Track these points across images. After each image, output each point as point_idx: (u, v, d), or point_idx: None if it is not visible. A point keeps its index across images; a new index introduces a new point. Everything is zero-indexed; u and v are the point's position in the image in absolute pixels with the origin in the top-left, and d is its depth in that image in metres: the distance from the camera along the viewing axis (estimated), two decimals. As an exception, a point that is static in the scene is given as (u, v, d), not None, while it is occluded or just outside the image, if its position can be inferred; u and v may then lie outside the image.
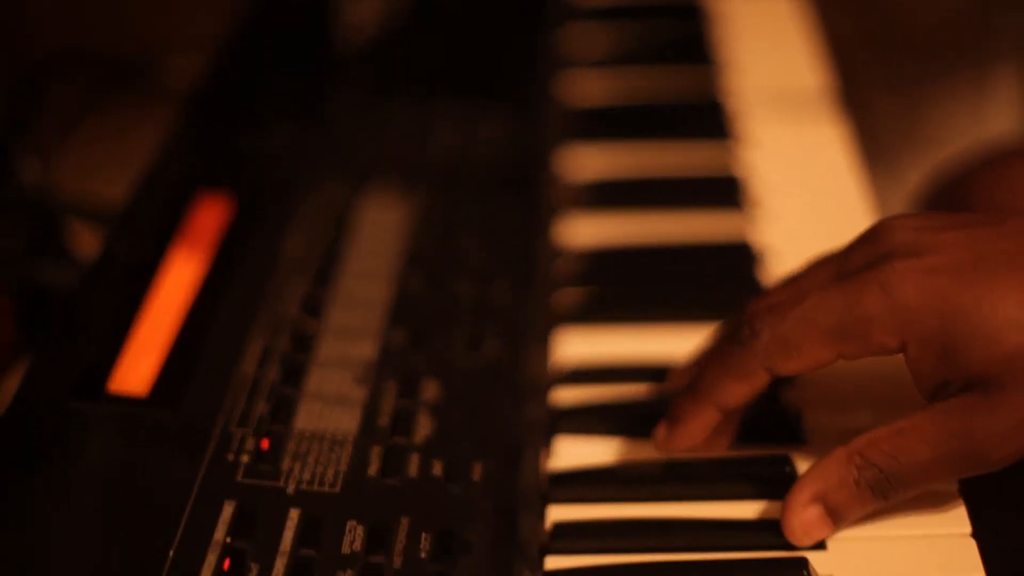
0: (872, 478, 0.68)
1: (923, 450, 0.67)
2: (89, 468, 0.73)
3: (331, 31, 1.09)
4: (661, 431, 0.74)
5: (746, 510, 0.72)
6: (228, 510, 0.70)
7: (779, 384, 0.75)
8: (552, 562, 0.70)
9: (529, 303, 0.86)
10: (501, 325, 0.83)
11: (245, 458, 0.73)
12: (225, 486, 0.71)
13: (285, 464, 0.72)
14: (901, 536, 0.70)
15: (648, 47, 1.12)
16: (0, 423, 0.75)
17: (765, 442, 0.75)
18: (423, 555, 0.68)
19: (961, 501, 0.71)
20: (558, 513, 0.73)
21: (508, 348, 0.82)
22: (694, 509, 0.72)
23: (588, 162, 1.00)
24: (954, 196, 1.14)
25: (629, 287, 0.88)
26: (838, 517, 0.69)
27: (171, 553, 0.67)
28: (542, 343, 0.83)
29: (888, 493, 0.68)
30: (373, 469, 0.73)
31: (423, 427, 0.75)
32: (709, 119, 1.03)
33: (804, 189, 0.97)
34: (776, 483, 0.72)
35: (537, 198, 0.96)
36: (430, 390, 0.78)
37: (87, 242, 1.00)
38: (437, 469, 0.73)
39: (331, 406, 0.76)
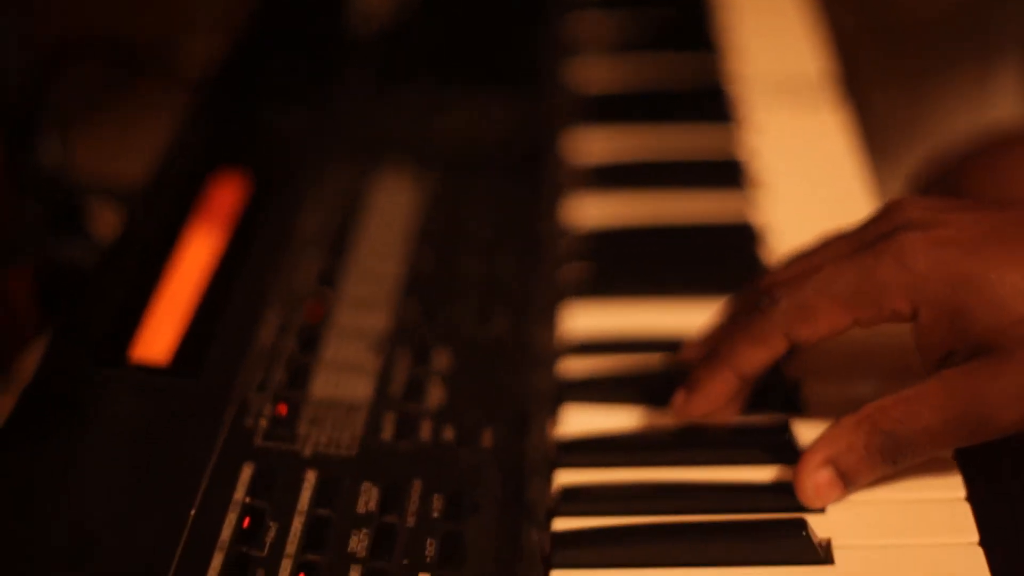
0: (881, 443, 0.70)
1: (931, 416, 0.70)
2: (113, 432, 0.75)
3: (344, 16, 1.12)
4: (679, 397, 0.76)
5: (747, 474, 0.74)
6: (247, 472, 0.72)
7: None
8: (559, 523, 0.73)
9: (536, 278, 0.88)
10: (509, 299, 0.86)
11: (263, 423, 0.75)
12: (244, 449, 0.74)
13: (302, 429, 0.75)
14: (898, 500, 0.73)
15: (652, 34, 1.15)
16: (27, 389, 0.77)
17: (764, 409, 0.78)
18: (435, 515, 0.71)
19: (957, 467, 0.74)
20: (565, 477, 0.75)
21: (516, 321, 0.84)
22: (697, 473, 0.75)
23: (594, 145, 1.02)
24: (949, 181, 1.16)
25: (634, 264, 0.91)
26: (848, 480, 0.71)
27: (192, 512, 0.70)
28: (549, 316, 0.86)
29: (897, 458, 0.71)
30: (387, 434, 0.75)
31: (435, 395, 0.78)
32: (712, 104, 1.05)
33: (805, 172, 1.00)
34: (776, 449, 0.74)
35: (544, 180, 0.98)
36: (441, 360, 0.80)
37: (106, 221, 1.03)
38: (448, 434, 0.76)
39: (346, 374, 0.79)
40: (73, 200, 1.04)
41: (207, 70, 1.06)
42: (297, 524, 0.70)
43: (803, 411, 0.78)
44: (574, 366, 0.82)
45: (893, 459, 0.71)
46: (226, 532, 0.69)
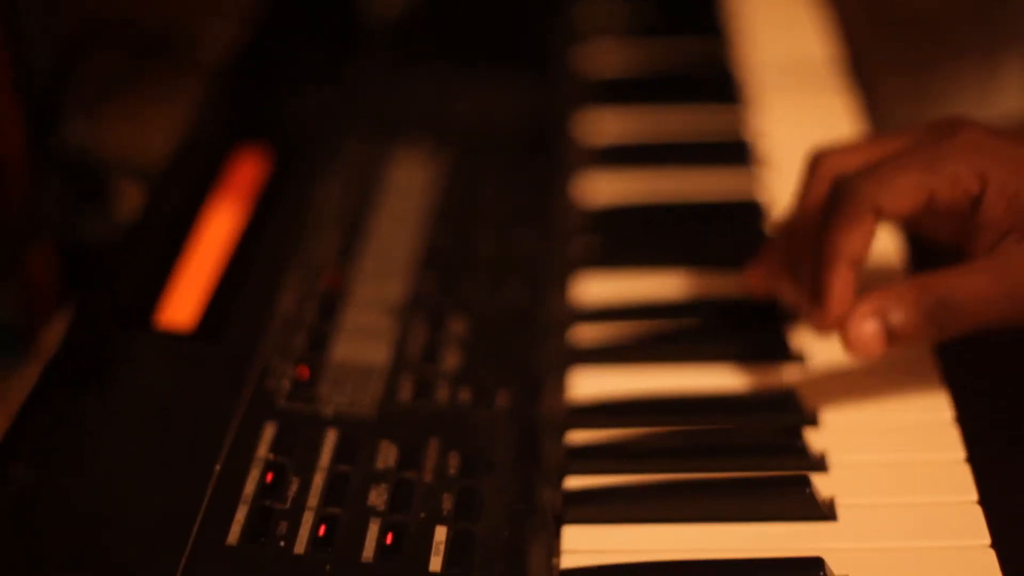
0: (931, 304, 0.74)
1: (982, 286, 0.74)
2: (140, 394, 0.78)
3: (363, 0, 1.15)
4: (816, 315, 0.78)
5: (753, 434, 0.77)
6: (270, 431, 0.75)
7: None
8: (571, 482, 0.75)
9: (549, 251, 0.91)
10: (523, 270, 0.89)
11: (285, 385, 0.78)
12: (267, 410, 0.76)
13: (322, 391, 0.78)
14: (899, 461, 0.75)
15: (662, 19, 1.17)
16: (58, 351, 0.80)
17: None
18: (452, 472, 0.74)
19: (958, 430, 0.77)
20: (576, 437, 0.78)
21: (529, 290, 0.87)
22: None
23: (605, 125, 1.05)
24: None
25: (643, 237, 0.93)
26: (893, 336, 0.74)
27: (218, 467, 0.73)
28: (561, 286, 0.88)
29: (944, 323, 0.74)
30: (405, 395, 0.78)
31: (451, 359, 0.81)
32: (720, 86, 1.08)
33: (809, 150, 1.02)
34: (782, 409, 0.77)
35: (557, 159, 1.01)
36: (457, 327, 0.83)
37: (130, 198, 1.05)
38: (464, 397, 0.78)
39: (365, 340, 0.81)
40: (97, 178, 1.07)
41: (228, 53, 1.08)
42: (318, 479, 0.72)
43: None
44: (585, 333, 0.85)
45: (940, 324, 0.74)
46: (250, 486, 0.72)
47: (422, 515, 0.71)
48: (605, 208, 0.97)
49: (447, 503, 0.72)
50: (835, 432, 0.77)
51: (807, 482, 0.73)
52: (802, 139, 1.04)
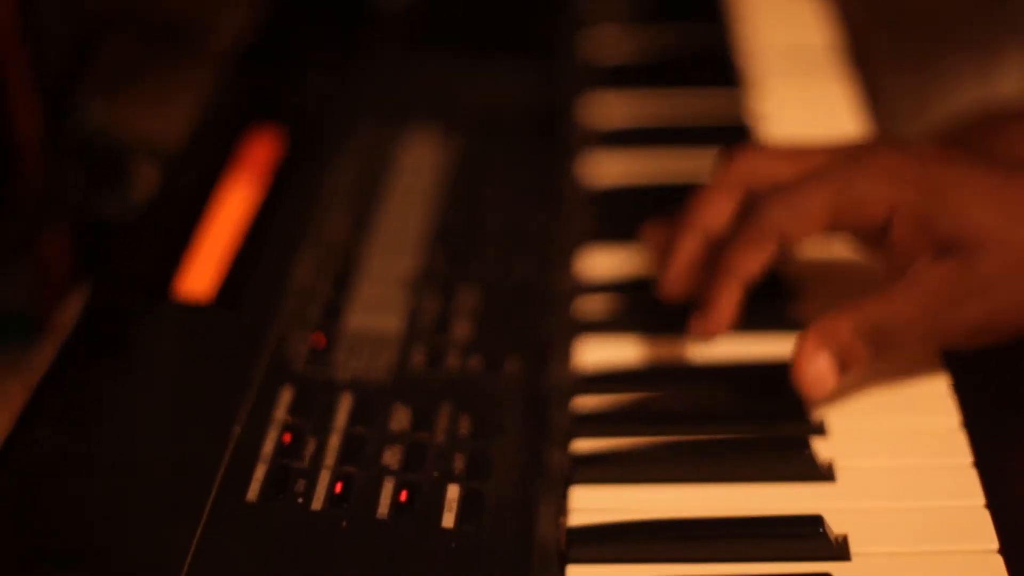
0: (867, 329, 0.77)
1: (903, 309, 0.77)
2: (160, 360, 0.81)
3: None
4: (696, 322, 0.81)
5: (754, 400, 0.80)
6: (287, 395, 0.78)
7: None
8: (578, 444, 0.78)
9: (555, 227, 0.94)
10: (530, 246, 0.91)
11: (302, 352, 0.80)
12: (284, 375, 0.79)
13: (338, 357, 0.80)
14: (898, 426, 0.78)
15: (665, 6, 1.20)
16: (79, 321, 0.83)
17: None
18: (463, 434, 0.76)
19: (953, 398, 0.79)
20: (583, 403, 0.81)
21: (537, 264, 0.90)
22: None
23: (610, 109, 1.08)
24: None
25: (645, 215, 0.96)
26: (844, 366, 0.77)
27: (237, 429, 0.75)
28: (567, 260, 0.91)
29: (881, 347, 0.77)
30: (418, 363, 0.81)
31: (461, 329, 0.83)
32: (721, 71, 1.10)
33: (810, 134, 1.05)
34: (781, 375, 0.80)
35: (562, 140, 1.04)
36: (467, 299, 0.86)
37: (147, 179, 1.08)
38: (474, 364, 0.81)
39: (379, 310, 0.84)
40: (114, 161, 1.09)
41: (242, 40, 1.11)
42: (335, 440, 0.75)
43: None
44: (590, 304, 0.87)
45: (878, 348, 0.77)
46: (268, 446, 0.74)
47: (435, 474, 0.74)
48: (610, 187, 0.99)
49: (459, 463, 0.74)
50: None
51: (806, 444, 0.75)
52: (802, 122, 1.07)
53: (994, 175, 0.78)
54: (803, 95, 1.10)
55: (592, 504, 0.75)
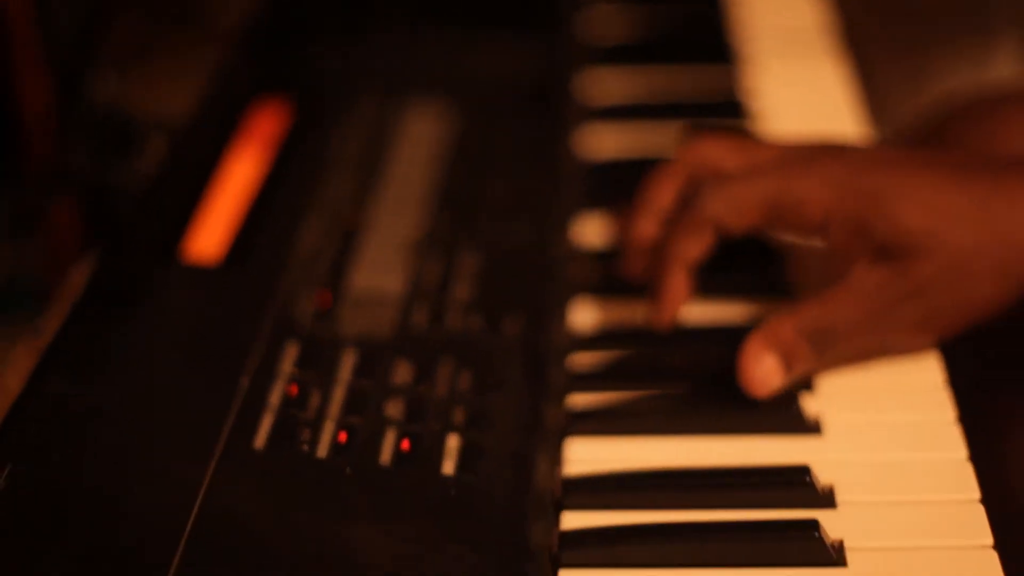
0: (811, 331, 0.79)
1: (843, 312, 0.80)
2: (170, 318, 0.84)
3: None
4: (652, 312, 0.84)
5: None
6: (293, 350, 0.80)
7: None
8: (574, 399, 0.81)
9: (553, 196, 0.96)
10: (529, 213, 0.94)
11: (307, 310, 0.83)
12: (291, 332, 0.82)
13: (342, 316, 0.83)
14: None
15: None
16: (90, 282, 0.85)
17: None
18: (463, 388, 0.79)
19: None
20: (579, 361, 0.83)
21: (535, 231, 0.93)
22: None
23: (606, 84, 1.10)
24: (937, 135, 1.23)
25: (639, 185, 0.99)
26: (788, 367, 0.79)
27: (245, 381, 0.78)
28: (564, 227, 0.94)
29: (824, 350, 0.80)
30: (420, 321, 0.83)
31: (462, 290, 0.86)
32: (715, 48, 1.13)
33: (802, 110, 1.08)
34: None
35: (560, 114, 1.06)
36: (468, 262, 0.88)
37: (155, 150, 1.10)
38: (475, 323, 0.84)
39: (382, 271, 0.87)
40: (125, 134, 1.12)
41: (250, 14, 1.14)
42: (339, 392, 0.78)
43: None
44: (585, 267, 0.91)
45: (822, 351, 0.80)
46: (275, 398, 0.77)
47: (436, 426, 0.76)
48: (606, 160, 1.02)
49: (459, 416, 0.77)
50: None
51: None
52: (794, 100, 1.10)
53: (937, 178, 0.80)
54: (796, 74, 1.13)
55: (587, 455, 0.78)
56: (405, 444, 0.75)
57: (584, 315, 0.87)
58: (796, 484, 0.74)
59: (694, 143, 0.87)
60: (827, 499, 0.74)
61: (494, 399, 0.79)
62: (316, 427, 0.75)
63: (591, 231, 0.94)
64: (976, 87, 1.42)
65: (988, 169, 0.81)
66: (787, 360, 0.79)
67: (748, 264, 0.89)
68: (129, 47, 1.17)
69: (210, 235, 0.89)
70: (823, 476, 0.75)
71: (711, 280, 0.87)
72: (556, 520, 0.74)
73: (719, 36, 1.16)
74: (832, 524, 0.72)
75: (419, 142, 0.99)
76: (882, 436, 0.78)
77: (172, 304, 0.85)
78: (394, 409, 0.77)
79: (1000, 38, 1.63)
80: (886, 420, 0.79)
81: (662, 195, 0.86)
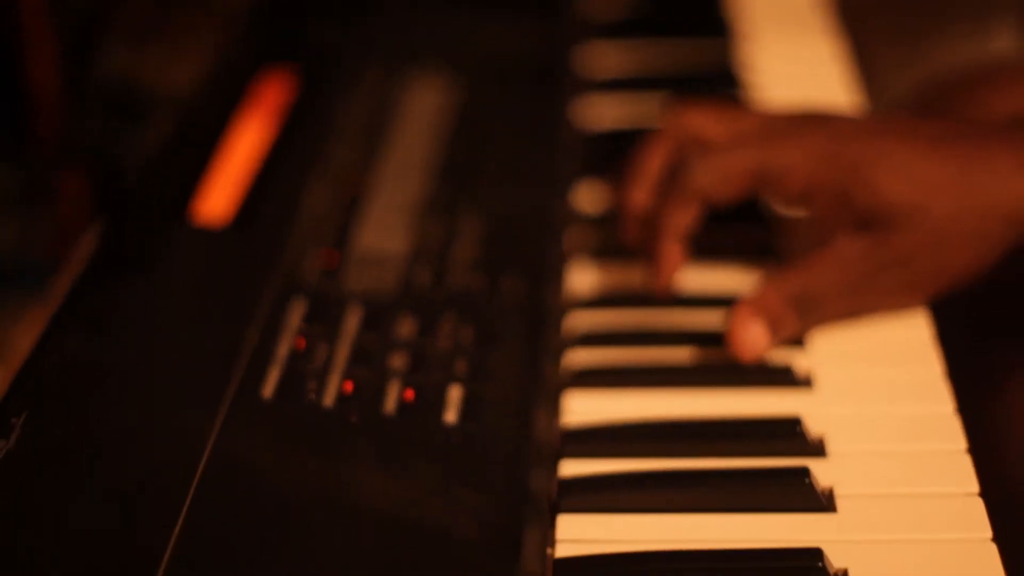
0: (796, 297, 0.82)
1: (824, 279, 0.82)
2: (179, 277, 0.86)
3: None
4: (648, 279, 0.86)
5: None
6: (301, 306, 0.83)
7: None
8: (571, 356, 0.84)
9: (552, 164, 0.99)
10: (529, 180, 0.97)
11: (314, 269, 0.86)
12: (298, 289, 0.84)
13: (348, 273, 0.85)
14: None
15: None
16: (104, 241, 0.88)
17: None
18: (465, 343, 0.81)
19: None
20: (575, 320, 0.86)
21: (535, 197, 0.95)
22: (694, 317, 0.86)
23: (604, 58, 1.13)
24: (934, 106, 1.26)
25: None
26: (774, 331, 0.82)
27: (254, 335, 0.80)
28: (563, 193, 0.96)
29: (808, 315, 0.82)
30: (423, 279, 0.86)
31: (464, 251, 0.88)
32: (711, 23, 1.16)
33: (796, 84, 1.10)
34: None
35: (560, 86, 1.09)
36: (470, 225, 0.91)
37: (164, 123, 1.12)
38: (476, 283, 0.86)
39: (386, 233, 0.89)
40: (133, 106, 1.14)
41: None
42: (344, 345, 0.80)
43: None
44: (582, 232, 0.94)
45: (806, 316, 0.82)
46: (283, 351, 0.79)
47: (438, 377, 0.79)
48: (604, 130, 1.05)
49: (461, 368, 0.79)
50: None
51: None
52: (789, 73, 1.12)
53: (917, 147, 0.82)
54: (791, 49, 1.15)
55: (585, 407, 0.80)
56: (409, 394, 0.77)
57: (582, 277, 0.90)
58: (788, 434, 0.77)
59: (679, 113, 0.90)
60: (818, 448, 0.77)
61: (494, 354, 0.81)
62: (322, 378, 0.78)
63: (589, 198, 0.97)
64: (973, 62, 1.44)
65: (967, 137, 0.83)
66: (773, 326, 0.82)
67: (741, 228, 0.92)
68: (138, 20, 1.19)
69: (219, 198, 0.91)
70: (814, 427, 0.77)
71: (701, 244, 0.89)
72: (555, 468, 0.76)
73: (715, 11, 1.18)
74: (823, 472, 0.74)
75: (423, 112, 1.02)
76: (872, 390, 0.81)
77: (182, 264, 0.87)
78: (398, 361, 0.79)
79: (997, 15, 1.64)
80: (876, 375, 0.82)
81: (651, 165, 0.88)
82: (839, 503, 0.73)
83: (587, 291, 0.89)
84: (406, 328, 0.82)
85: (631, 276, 0.89)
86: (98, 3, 1.14)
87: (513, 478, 0.74)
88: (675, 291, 0.86)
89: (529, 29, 1.14)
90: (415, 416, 0.76)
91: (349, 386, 0.77)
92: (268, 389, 0.77)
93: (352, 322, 0.82)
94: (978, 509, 0.73)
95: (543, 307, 0.86)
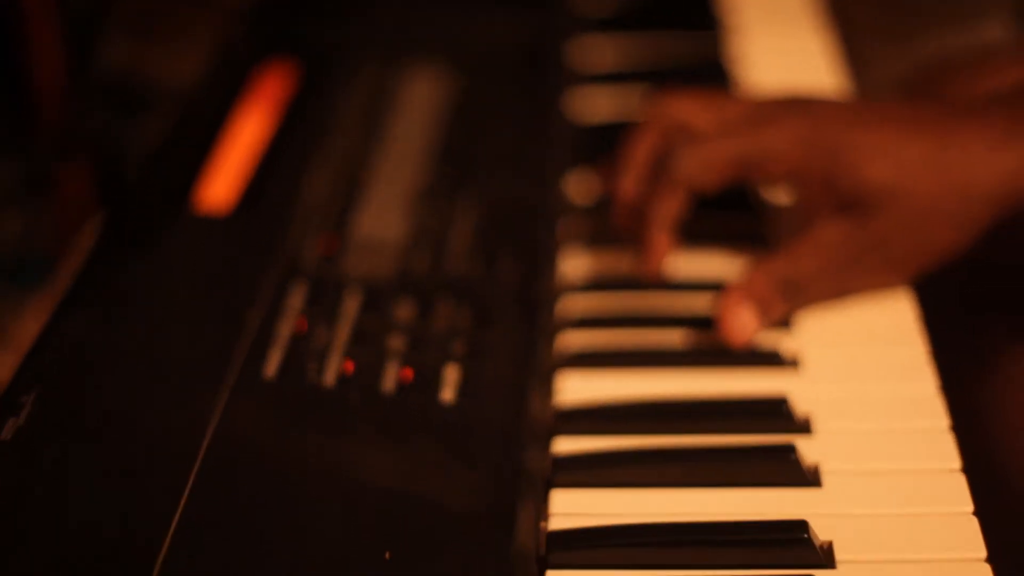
0: (782, 283, 0.84)
1: (807, 263, 0.85)
2: (183, 263, 0.88)
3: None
4: (639, 266, 0.89)
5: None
6: (301, 290, 0.85)
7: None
8: (564, 339, 0.86)
9: (546, 154, 1.01)
10: (523, 170, 0.99)
11: (314, 254, 0.88)
12: (299, 274, 0.86)
13: (348, 258, 0.88)
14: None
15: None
16: (108, 228, 0.90)
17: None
18: (462, 325, 0.83)
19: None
20: (568, 305, 0.88)
21: (528, 187, 0.97)
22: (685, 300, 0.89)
23: (596, 52, 1.15)
24: (929, 89, 1.27)
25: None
26: (761, 316, 0.84)
27: (256, 318, 0.82)
28: (555, 183, 0.99)
29: (794, 295, 0.85)
30: (421, 264, 0.88)
31: (461, 238, 0.91)
32: (701, 16, 1.18)
33: (785, 77, 1.12)
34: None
35: (553, 78, 1.11)
36: (467, 212, 0.93)
37: (167, 116, 1.14)
38: (473, 268, 0.88)
39: (385, 219, 0.91)
40: (136, 99, 1.16)
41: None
42: (344, 327, 0.82)
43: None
44: (574, 221, 0.96)
45: (792, 300, 0.85)
46: (284, 332, 0.81)
47: (435, 357, 0.81)
48: (596, 123, 1.07)
49: (458, 349, 0.82)
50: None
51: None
52: (778, 66, 1.14)
53: (896, 130, 0.84)
54: (780, 42, 1.17)
55: (578, 387, 0.82)
56: (407, 374, 0.79)
57: (574, 263, 0.92)
58: (775, 413, 0.79)
59: (664, 102, 0.92)
60: (804, 426, 0.79)
61: (490, 335, 0.83)
62: (323, 359, 0.80)
63: (581, 187, 0.99)
64: (962, 50, 1.46)
65: (945, 117, 0.85)
66: (761, 310, 0.84)
67: (734, 214, 0.94)
68: (141, 13, 1.21)
69: (221, 186, 0.93)
70: (801, 406, 0.80)
71: (693, 229, 0.91)
72: (548, 445, 0.78)
73: (706, 5, 1.20)
74: (809, 449, 0.77)
75: (420, 103, 1.04)
76: (857, 370, 0.83)
77: (186, 249, 0.89)
78: (396, 342, 0.82)
79: (989, 13, 1.66)
80: (861, 355, 0.84)
81: (638, 155, 0.90)
82: (825, 479, 0.76)
83: (579, 277, 0.91)
84: (404, 311, 0.84)
85: (622, 262, 0.91)
86: (103, 14, 1.16)
87: (508, 455, 0.76)
88: (664, 277, 0.88)
89: (523, 23, 1.17)
90: (413, 395, 0.79)
91: (349, 366, 0.79)
92: (270, 369, 0.79)
93: (352, 305, 0.84)
94: (960, 484, 0.75)
95: (537, 291, 0.88)
